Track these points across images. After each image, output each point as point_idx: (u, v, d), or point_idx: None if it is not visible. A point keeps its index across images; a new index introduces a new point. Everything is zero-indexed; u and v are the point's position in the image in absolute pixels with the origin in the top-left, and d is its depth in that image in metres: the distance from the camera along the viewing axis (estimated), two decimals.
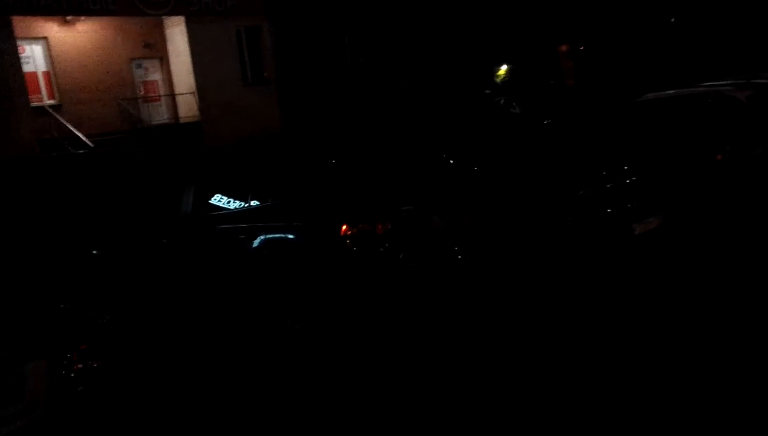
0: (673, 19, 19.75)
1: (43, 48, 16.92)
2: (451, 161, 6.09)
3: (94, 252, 6.95)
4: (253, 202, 6.08)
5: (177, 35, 18.45)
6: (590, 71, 20.59)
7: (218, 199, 6.38)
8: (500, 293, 5.20)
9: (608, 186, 5.88)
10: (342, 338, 4.86)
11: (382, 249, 4.86)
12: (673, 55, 18.67)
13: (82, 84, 17.21)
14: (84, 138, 15.75)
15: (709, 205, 6.26)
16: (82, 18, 16.95)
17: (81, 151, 15.44)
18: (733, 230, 6.16)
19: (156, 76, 19.01)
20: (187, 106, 18.76)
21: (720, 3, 18.46)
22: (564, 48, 22.52)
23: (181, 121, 18.87)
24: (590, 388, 3.78)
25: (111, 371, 4.77)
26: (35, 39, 16.72)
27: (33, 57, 16.79)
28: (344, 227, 4.91)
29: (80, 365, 4.63)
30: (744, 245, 5.92)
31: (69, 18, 16.81)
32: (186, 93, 18.63)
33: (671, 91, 8.30)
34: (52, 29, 16.85)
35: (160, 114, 18.96)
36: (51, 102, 16.84)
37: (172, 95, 19.09)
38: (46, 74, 17.03)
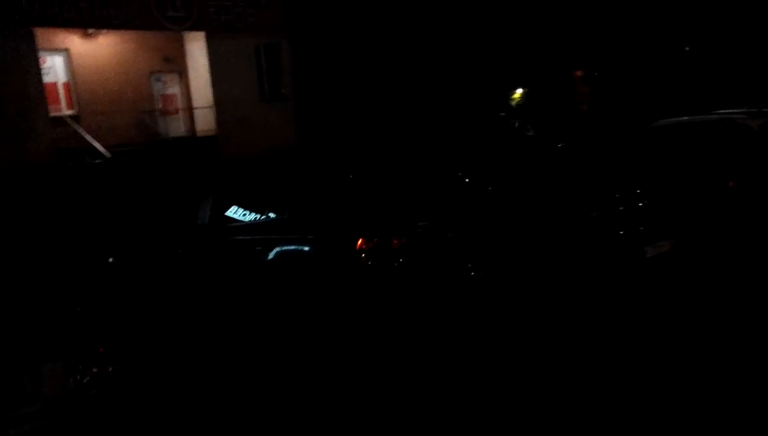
0: (687, 48, 19.88)
1: (64, 59, 17.20)
2: (467, 180, 6.17)
3: (111, 260, 7.04)
4: (271, 215, 6.16)
5: (197, 50, 18.72)
6: (605, 97, 20.70)
7: (235, 212, 6.46)
8: (512, 310, 5.22)
9: (621, 209, 5.93)
10: (355, 349, 4.90)
11: (396, 264, 4.92)
12: (688, 83, 18.77)
13: (102, 96, 17.46)
14: (101, 148, 15.94)
15: (721, 230, 6.29)
16: (104, 31, 17.25)
17: (98, 161, 15.64)
18: (745, 254, 6.18)
19: (175, 89, 19.26)
20: (205, 120, 18.98)
21: (734, 34, 18.58)
22: (579, 73, 22.67)
23: (198, 134, 19.08)
24: (596, 402, 3.81)
25: (125, 376, 4.83)
26: (57, 50, 17.01)
27: (54, 68, 17.07)
28: (360, 241, 4.98)
29: (95, 369, 4.69)
30: (754, 269, 5.93)
31: (90, 31, 17.11)
32: (204, 107, 18.86)
33: (685, 118, 8.37)
34: (74, 41, 17.15)
35: (177, 127, 19.18)
36: (70, 112, 17.09)
37: (189, 109, 19.33)
38: (66, 85, 17.30)
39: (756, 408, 3.61)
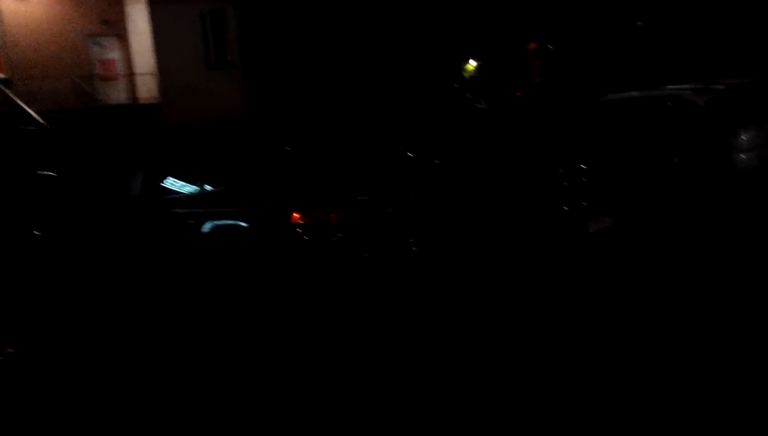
0: (640, 23, 20.08)
1: None
2: (410, 154, 6.00)
3: (36, 233, 6.64)
4: (207, 187, 5.90)
5: (137, 13, 17.87)
6: (558, 70, 20.80)
7: (172, 183, 6.17)
8: (455, 285, 5.12)
9: (565, 184, 5.88)
10: (290, 326, 4.72)
11: (334, 239, 4.73)
12: (640, 56, 19.01)
13: (35, 59, 16.50)
14: (35, 115, 15.12)
15: (664, 206, 6.32)
16: None
17: (31, 128, 14.81)
18: (686, 229, 6.24)
19: (114, 54, 18.36)
20: (147, 87, 18.21)
21: (687, 8, 18.83)
22: (533, 46, 22.68)
23: (141, 102, 18.31)
24: (532, 376, 3.73)
25: (41, 358, 4.55)
26: None
27: None
28: (296, 215, 4.77)
29: (9, 350, 4.41)
30: (695, 244, 5.99)
31: None
32: (146, 73, 18.08)
33: (632, 93, 8.38)
34: (3, 0, 16.12)
35: (117, 94, 18.35)
36: (0, 76, 16.13)
37: (131, 75, 18.50)
38: None
39: (685, 374, 3.59)
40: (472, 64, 21.10)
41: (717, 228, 6.39)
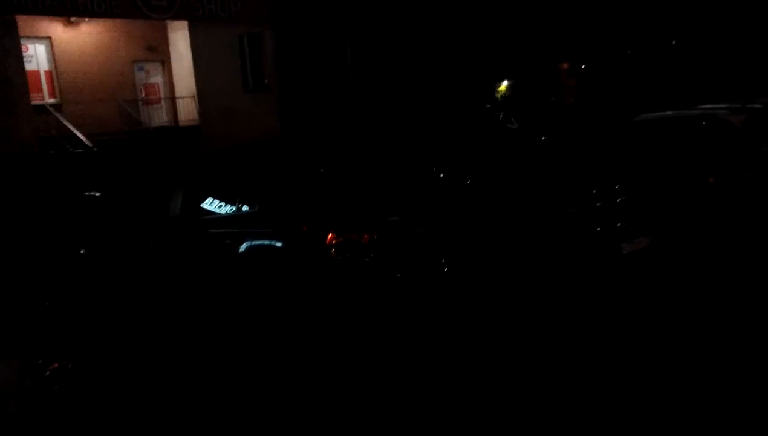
0: (674, 42, 19.85)
1: (47, 47, 16.98)
2: (441, 175, 6.08)
3: (82, 251, 6.91)
4: (243, 208, 6.06)
5: (180, 39, 18.52)
6: (591, 90, 20.65)
7: (210, 203, 6.36)
8: (486, 306, 5.15)
9: (599, 205, 5.86)
10: (323, 346, 4.82)
11: (367, 259, 4.83)
12: (674, 76, 18.75)
13: (84, 84, 17.25)
14: (83, 137, 15.76)
15: (700, 228, 6.23)
16: (86, 19, 17.02)
17: (79, 151, 15.42)
18: (723, 252, 6.13)
19: (157, 78, 19.05)
20: (187, 110, 18.80)
21: (721, 28, 18.57)
22: (565, 66, 22.61)
23: (181, 124, 18.90)
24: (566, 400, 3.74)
25: (89, 370, 4.73)
26: (39, 38, 16.79)
27: (36, 56, 16.85)
28: (330, 236, 4.88)
29: (56, 365, 4.60)
30: (733, 267, 5.88)
31: (73, 19, 16.88)
32: (186, 96, 18.67)
33: (667, 113, 8.30)
34: (56, 29, 16.92)
35: (160, 117, 18.99)
36: (52, 101, 16.89)
37: (172, 98, 19.12)
38: (48, 73, 17.08)
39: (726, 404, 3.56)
40: (504, 84, 21.09)
41: (756, 250, 6.26)
